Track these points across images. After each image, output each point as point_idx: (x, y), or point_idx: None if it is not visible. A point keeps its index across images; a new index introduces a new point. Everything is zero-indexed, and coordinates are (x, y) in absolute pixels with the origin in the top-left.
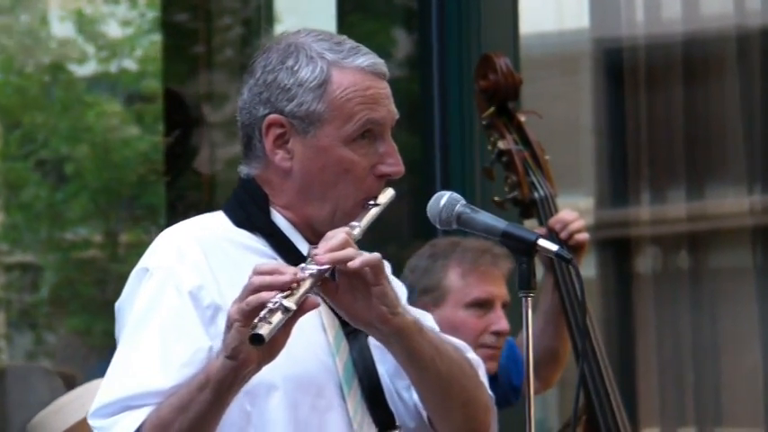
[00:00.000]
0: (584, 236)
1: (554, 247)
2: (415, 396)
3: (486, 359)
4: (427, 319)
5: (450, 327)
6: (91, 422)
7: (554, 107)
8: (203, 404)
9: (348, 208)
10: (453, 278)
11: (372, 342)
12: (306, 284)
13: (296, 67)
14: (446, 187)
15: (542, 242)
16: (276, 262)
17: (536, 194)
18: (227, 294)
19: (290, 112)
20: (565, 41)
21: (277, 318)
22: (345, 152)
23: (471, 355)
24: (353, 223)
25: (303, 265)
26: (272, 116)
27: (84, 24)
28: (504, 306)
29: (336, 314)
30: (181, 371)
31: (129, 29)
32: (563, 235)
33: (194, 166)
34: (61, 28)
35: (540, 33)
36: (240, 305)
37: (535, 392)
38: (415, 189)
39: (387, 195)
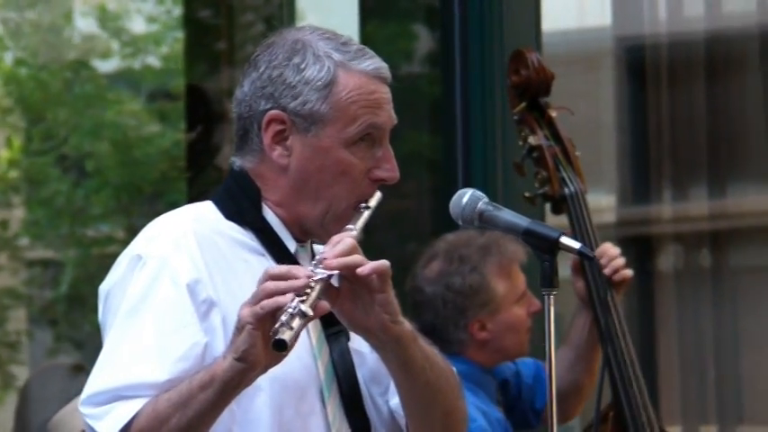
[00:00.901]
0: (628, 272)
1: (576, 244)
2: (392, 402)
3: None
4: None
5: (508, 327)
6: (81, 410)
7: (576, 105)
8: (204, 403)
9: (340, 210)
10: (500, 283)
11: (352, 346)
12: (317, 288)
13: (303, 65)
14: (467, 185)
15: (565, 239)
16: (288, 266)
17: (566, 190)
18: (221, 290)
19: (292, 110)
20: (587, 39)
21: (297, 323)
22: (345, 154)
23: (452, 367)
24: (349, 226)
25: (311, 268)
26: (274, 112)
27: (107, 20)
28: None
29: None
30: (176, 365)
31: (154, 25)
32: (607, 271)
33: (216, 162)
34: (85, 24)
35: (562, 31)
36: (254, 308)
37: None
38: (436, 187)
39: (376, 198)
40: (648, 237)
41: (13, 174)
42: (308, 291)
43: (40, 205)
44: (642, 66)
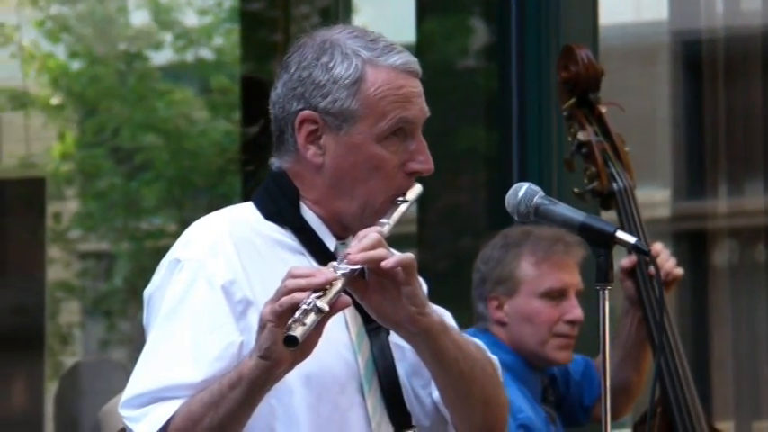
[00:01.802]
0: (680, 271)
1: (632, 239)
2: (434, 395)
3: (560, 348)
4: (447, 318)
5: (524, 317)
6: (121, 412)
7: (632, 99)
8: (234, 402)
9: (378, 204)
10: (526, 268)
11: (392, 340)
12: (338, 284)
13: (331, 64)
14: (523, 179)
15: (620, 234)
16: (310, 266)
17: (615, 186)
18: (257, 289)
19: (323, 109)
20: (643, 33)
21: (311, 319)
22: (377, 149)
23: (491, 355)
24: (383, 221)
25: (335, 263)
26: (306, 112)
27: (161, 13)
28: (578, 295)
29: (359, 311)
30: (212, 365)
31: (207, 18)
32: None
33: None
34: (138, 17)
35: (619, 25)
36: (273, 306)
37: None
38: (491, 181)
39: (415, 191)
40: (703, 232)
41: (66, 167)
42: (328, 287)
43: (94, 198)
44: (698, 60)
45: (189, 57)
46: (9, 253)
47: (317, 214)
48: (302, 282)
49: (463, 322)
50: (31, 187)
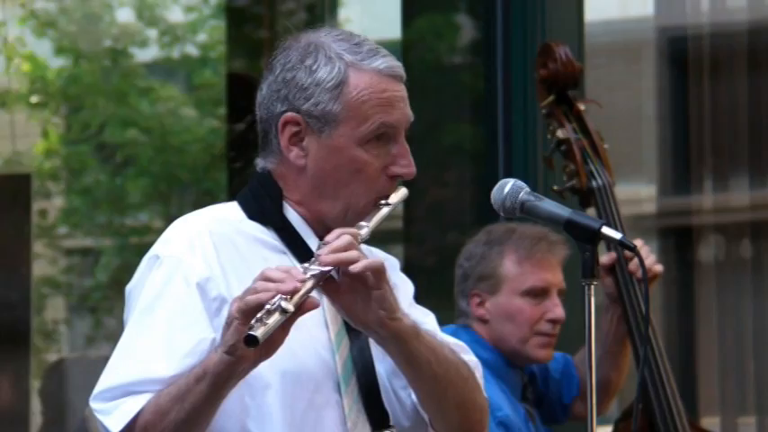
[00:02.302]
0: (659, 268)
1: (618, 234)
2: (414, 396)
3: (541, 347)
4: (429, 320)
5: (505, 314)
6: (92, 404)
7: (617, 95)
8: (199, 395)
9: (360, 207)
10: (509, 266)
11: (373, 341)
12: (307, 285)
13: (314, 67)
14: (509, 176)
15: (606, 230)
16: (284, 267)
17: (594, 183)
18: (235, 287)
19: (306, 111)
20: (629, 29)
21: (274, 319)
22: (359, 152)
23: (469, 357)
24: (362, 223)
25: (307, 264)
26: (289, 114)
27: (145, 9)
28: (560, 294)
29: None
30: (183, 361)
31: (192, 14)
32: (639, 274)
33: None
34: (122, 14)
35: (605, 21)
36: (240, 304)
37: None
38: (477, 177)
39: (399, 195)
40: (689, 227)
41: (50, 164)
42: (297, 287)
43: (79, 194)
44: (684, 56)
45: (174, 53)
46: None
47: (300, 214)
48: (270, 285)
49: (449, 318)
50: (17, 183)
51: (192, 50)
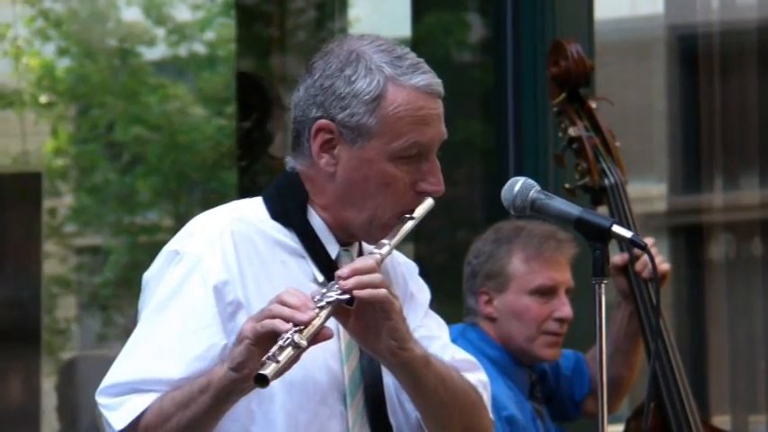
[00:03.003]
0: (667, 266)
1: (628, 233)
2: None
3: (548, 346)
4: (443, 333)
5: (513, 313)
6: (98, 399)
7: (627, 93)
8: (201, 406)
9: (385, 219)
10: (517, 264)
11: None
12: (322, 315)
13: (353, 78)
14: (519, 173)
15: (617, 228)
16: (303, 296)
17: (606, 181)
18: (252, 291)
19: (340, 121)
20: (639, 27)
21: (286, 355)
22: (389, 167)
23: (478, 376)
24: (384, 241)
25: (324, 290)
26: (323, 121)
27: (152, 8)
28: (568, 292)
29: None
30: (192, 364)
31: (200, 12)
32: (645, 274)
33: (270, 150)
34: (130, 12)
35: (615, 19)
36: (255, 325)
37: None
38: (487, 175)
39: (424, 207)
40: (699, 225)
41: (60, 162)
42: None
43: (88, 193)
44: (694, 54)
45: (182, 51)
46: (5, 248)
47: (324, 219)
48: (286, 312)
49: (459, 315)
50: (27, 182)
51: (200, 49)
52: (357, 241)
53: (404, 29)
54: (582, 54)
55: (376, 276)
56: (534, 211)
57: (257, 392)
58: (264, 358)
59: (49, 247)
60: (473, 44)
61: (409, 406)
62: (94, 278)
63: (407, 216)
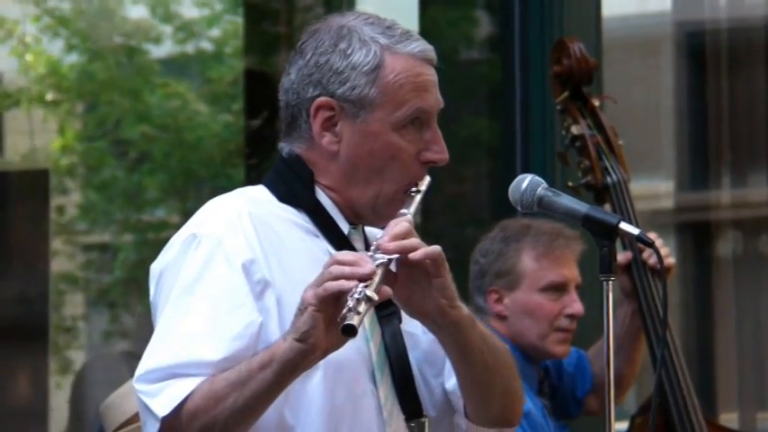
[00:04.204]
0: (672, 261)
1: (635, 230)
2: (446, 384)
3: (560, 342)
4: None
5: (524, 311)
6: (136, 386)
7: (635, 90)
8: (262, 383)
9: (391, 193)
10: (528, 262)
11: (404, 329)
12: (379, 273)
13: (349, 51)
14: (526, 171)
15: (624, 225)
16: (355, 253)
17: (609, 179)
18: (275, 270)
19: (341, 96)
20: (647, 24)
21: (363, 308)
22: (394, 138)
23: (503, 344)
24: (403, 210)
25: (370, 253)
26: (322, 99)
27: (158, 5)
28: (577, 288)
29: None
30: (231, 344)
31: (206, 9)
32: (652, 260)
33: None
34: (136, 10)
35: (623, 16)
36: (317, 290)
37: (597, 412)
38: (494, 172)
39: (425, 182)
40: (707, 223)
41: (67, 160)
42: (372, 276)
43: (96, 190)
44: (702, 51)
45: (189, 48)
46: (13, 245)
47: (331, 199)
48: (347, 270)
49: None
50: (35, 179)
51: (206, 46)
52: (362, 223)
53: (411, 25)
54: (584, 52)
55: (416, 240)
56: (542, 208)
57: None
58: (345, 312)
59: (56, 244)
60: (480, 41)
61: (434, 382)
62: (102, 276)
63: (414, 190)
